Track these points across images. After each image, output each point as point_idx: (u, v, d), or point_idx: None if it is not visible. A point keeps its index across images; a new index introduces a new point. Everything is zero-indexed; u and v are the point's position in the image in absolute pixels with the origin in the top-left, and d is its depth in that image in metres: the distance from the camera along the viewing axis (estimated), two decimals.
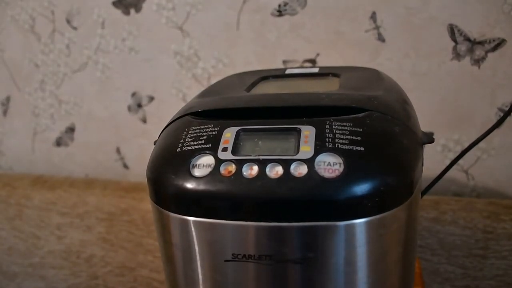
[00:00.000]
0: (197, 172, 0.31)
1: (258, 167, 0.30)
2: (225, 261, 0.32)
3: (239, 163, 0.30)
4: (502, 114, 0.45)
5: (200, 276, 0.33)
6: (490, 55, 0.67)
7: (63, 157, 1.01)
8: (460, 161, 0.71)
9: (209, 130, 0.33)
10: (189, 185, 0.31)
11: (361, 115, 0.33)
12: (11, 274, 0.91)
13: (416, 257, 0.40)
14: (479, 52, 0.67)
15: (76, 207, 0.87)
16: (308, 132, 0.31)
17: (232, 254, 0.31)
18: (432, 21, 0.68)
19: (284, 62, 0.78)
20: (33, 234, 0.90)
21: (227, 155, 0.31)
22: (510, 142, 0.69)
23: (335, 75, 0.48)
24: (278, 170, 0.30)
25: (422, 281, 0.58)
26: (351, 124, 0.31)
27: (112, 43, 0.89)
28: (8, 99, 1.02)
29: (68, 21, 0.91)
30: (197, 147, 0.32)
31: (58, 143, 1.00)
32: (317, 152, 0.30)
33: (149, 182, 0.34)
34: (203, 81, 0.84)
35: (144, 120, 0.91)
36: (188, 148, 0.33)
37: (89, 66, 0.92)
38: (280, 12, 0.76)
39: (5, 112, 1.03)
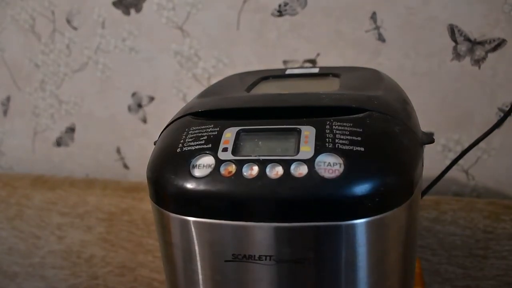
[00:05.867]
0: (197, 172, 0.31)
1: (258, 167, 0.30)
2: (225, 261, 0.32)
3: (239, 163, 0.30)
4: (502, 114, 0.45)
5: (200, 276, 0.33)
6: (490, 55, 0.67)
7: (63, 157, 1.01)
8: (460, 161, 0.71)
9: (209, 130, 0.33)
10: (189, 185, 0.31)
11: (361, 115, 0.33)
12: (11, 274, 0.91)
13: (416, 257, 0.40)
14: (479, 52, 0.67)
15: (76, 207, 0.87)
16: (308, 132, 0.31)
17: (232, 254, 0.31)
18: (432, 21, 0.68)
19: (285, 62, 0.78)
20: (33, 234, 0.90)
21: (227, 155, 0.31)
22: (510, 142, 0.69)
23: (335, 75, 0.47)
24: (278, 170, 0.30)
25: (423, 281, 0.58)
26: (351, 124, 0.31)
27: (112, 43, 0.89)
28: (8, 99, 1.02)
29: (68, 21, 0.91)
30: (197, 147, 0.32)
31: (58, 143, 1.00)
32: (317, 152, 0.30)
33: (149, 182, 0.34)
34: (203, 81, 0.84)
35: (144, 120, 0.91)
36: (188, 148, 0.33)
37: (89, 66, 0.92)
38: (280, 12, 0.76)
39: (5, 112, 1.03)
